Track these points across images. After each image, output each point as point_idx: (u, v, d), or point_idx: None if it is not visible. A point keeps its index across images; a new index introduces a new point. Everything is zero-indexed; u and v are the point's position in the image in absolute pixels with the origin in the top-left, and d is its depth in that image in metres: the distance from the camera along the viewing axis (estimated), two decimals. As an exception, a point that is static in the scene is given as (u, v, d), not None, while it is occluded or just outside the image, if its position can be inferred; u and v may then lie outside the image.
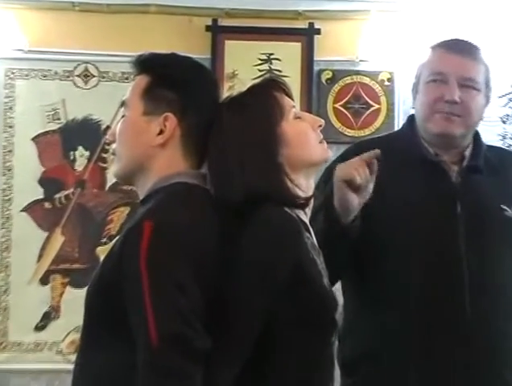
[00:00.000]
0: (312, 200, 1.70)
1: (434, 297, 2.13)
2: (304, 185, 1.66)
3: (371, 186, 1.97)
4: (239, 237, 1.54)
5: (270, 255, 1.51)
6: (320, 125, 1.71)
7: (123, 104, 1.72)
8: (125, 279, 1.47)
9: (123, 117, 1.71)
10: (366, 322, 2.20)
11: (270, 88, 1.70)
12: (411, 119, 2.33)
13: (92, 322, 1.58)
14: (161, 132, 1.64)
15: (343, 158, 2.20)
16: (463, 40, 2.30)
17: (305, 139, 1.67)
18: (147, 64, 1.70)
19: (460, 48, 2.23)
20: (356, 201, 1.96)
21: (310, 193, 1.67)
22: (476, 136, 2.31)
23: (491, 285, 2.17)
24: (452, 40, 2.29)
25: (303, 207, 1.65)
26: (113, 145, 1.71)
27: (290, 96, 1.72)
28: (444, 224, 2.16)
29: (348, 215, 1.98)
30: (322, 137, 1.71)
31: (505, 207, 2.21)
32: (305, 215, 1.66)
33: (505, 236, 2.21)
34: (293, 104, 1.70)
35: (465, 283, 2.12)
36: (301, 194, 1.64)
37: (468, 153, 2.26)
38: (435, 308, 2.13)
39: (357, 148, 2.26)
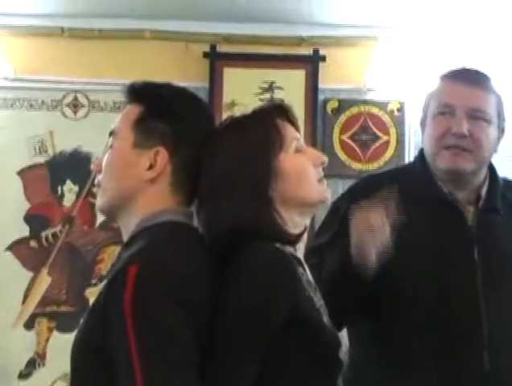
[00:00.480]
0: (306, 235, 1.63)
1: (449, 351, 2.07)
2: (299, 222, 1.61)
3: (388, 232, 1.91)
4: (231, 275, 1.50)
5: (264, 293, 1.46)
6: (323, 163, 1.65)
7: (112, 133, 1.67)
8: (109, 329, 1.42)
9: (111, 147, 1.66)
10: (377, 374, 2.12)
11: (273, 115, 1.63)
12: (423, 152, 2.25)
13: (78, 375, 1.53)
14: (151, 166, 1.60)
15: (352, 194, 2.17)
16: (471, 69, 2.24)
17: (303, 176, 1.61)
18: (141, 93, 1.66)
19: (467, 78, 2.18)
20: (372, 250, 1.91)
21: (301, 230, 1.61)
22: (492, 172, 2.24)
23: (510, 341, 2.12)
24: (459, 70, 2.23)
25: (293, 243, 1.59)
26: (99, 177, 1.68)
27: (295, 126, 1.66)
28: (462, 272, 2.11)
29: (365, 262, 1.93)
30: (322, 175, 1.65)
31: None
32: (296, 251, 1.60)
33: None
34: (297, 136, 1.64)
35: (484, 336, 2.07)
36: (292, 230, 1.58)
37: (483, 192, 2.20)
38: (450, 362, 2.06)
39: (366, 183, 2.24)
